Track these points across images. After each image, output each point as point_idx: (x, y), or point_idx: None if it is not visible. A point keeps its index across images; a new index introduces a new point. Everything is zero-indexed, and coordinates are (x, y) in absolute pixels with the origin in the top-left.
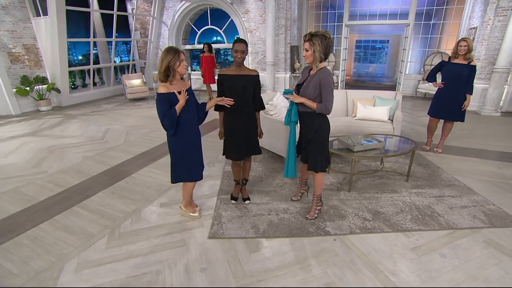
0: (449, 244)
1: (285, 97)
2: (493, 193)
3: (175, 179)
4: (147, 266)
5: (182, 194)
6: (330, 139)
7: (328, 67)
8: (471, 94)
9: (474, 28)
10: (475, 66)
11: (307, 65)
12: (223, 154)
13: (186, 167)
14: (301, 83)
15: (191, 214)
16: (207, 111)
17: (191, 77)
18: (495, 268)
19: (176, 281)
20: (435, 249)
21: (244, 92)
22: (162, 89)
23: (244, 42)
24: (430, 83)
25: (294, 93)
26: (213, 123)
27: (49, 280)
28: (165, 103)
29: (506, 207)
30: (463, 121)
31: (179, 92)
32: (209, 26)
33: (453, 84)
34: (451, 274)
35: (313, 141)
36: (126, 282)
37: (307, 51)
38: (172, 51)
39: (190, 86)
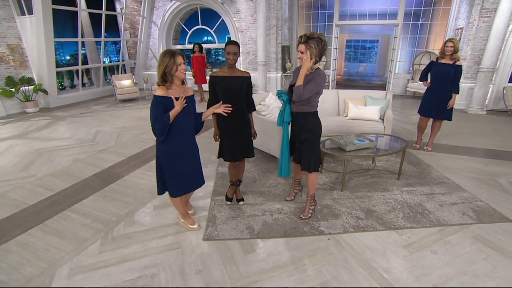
0: (439, 241)
1: (280, 98)
2: (481, 189)
3: (160, 190)
4: (142, 270)
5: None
6: (322, 139)
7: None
8: (457, 93)
9: (460, 28)
10: (460, 66)
11: (299, 66)
12: (219, 157)
13: (170, 178)
14: (293, 84)
15: (190, 226)
16: (203, 121)
17: None
18: (484, 262)
19: (172, 284)
20: (426, 246)
21: (238, 94)
22: (159, 91)
23: (236, 44)
24: (420, 83)
25: (288, 94)
26: (205, 124)
27: (40, 286)
28: (160, 106)
29: (493, 203)
30: (450, 119)
31: (177, 98)
32: (200, 26)
33: (440, 83)
34: (442, 270)
35: (307, 140)
36: (121, 287)
37: (302, 53)
38: (168, 55)
39: (193, 94)
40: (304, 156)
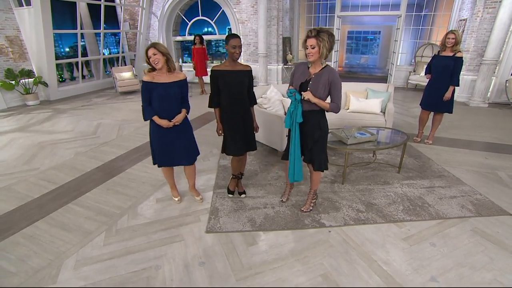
0: (438, 234)
1: (291, 97)
2: (480, 183)
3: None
4: (146, 262)
5: None
6: None
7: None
8: (457, 86)
9: (464, 19)
10: (461, 57)
11: (301, 61)
12: (223, 152)
13: (153, 150)
14: (303, 81)
15: (173, 197)
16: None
17: (182, 69)
18: (481, 255)
19: (176, 276)
20: (425, 238)
21: (241, 88)
22: (145, 77)
23: (239, 37)
24: (423, 75)
25: (300, 93)
26: (206, 116)
27: (48, 278)
28: (145, 91)
29: (492, 197)
30: (450, 112)
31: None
32: (200, 17)
33: (440, 76)
34: (440, 262)
35: (319, 139)
36: (126, 278)
37: (313, 48)
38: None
39: (185, 78)
40: (316, 156)
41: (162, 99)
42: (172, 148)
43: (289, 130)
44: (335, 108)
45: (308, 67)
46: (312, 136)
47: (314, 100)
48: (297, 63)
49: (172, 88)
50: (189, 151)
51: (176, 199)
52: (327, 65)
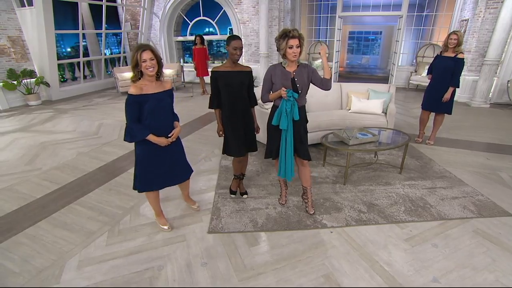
0: (440, 234)
1: (291, 98)
2: (482, 184)
3: (135, 185)
4: (149, 262)
5: None
6: (325, 132)
7: (320, 60)
8: (457, 87)
9: (465, 20)
10: (462, 59)
11: (273, 64)
12: (223, 153)
13: (142, 174)
14: (295, 78)
15: (161, 226)
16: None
17: (184, 69)
18: (483, 256)
19: (178, 276)
20: (427, 239)
21: (241, 88)
22: (132, 89)
23: (240, 38)
24: (425, 76)
25: (297, 92)
26: (207, 117)
27: (51, 278)
28: (133, 105)
29: (494, 198)
30: (450, 113)
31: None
32: (201, 17)
33: (441, 77)
34: (442, 263)
35: (306, 131)
36: (129, 278)
37: (297, 47)
38: (135, 50)
39: (171, 88)
40: (306, 147)
41: (155, 112)
42: (169, 167)
43: (270, 130)
44: (330, 84)
45: (284, 67)
46: (304, 128)
47: (325, 58)
48: (270, 67)
49: (164, 98)
50: (184, 166)
51: (165, 227)
52: (300, 62)
